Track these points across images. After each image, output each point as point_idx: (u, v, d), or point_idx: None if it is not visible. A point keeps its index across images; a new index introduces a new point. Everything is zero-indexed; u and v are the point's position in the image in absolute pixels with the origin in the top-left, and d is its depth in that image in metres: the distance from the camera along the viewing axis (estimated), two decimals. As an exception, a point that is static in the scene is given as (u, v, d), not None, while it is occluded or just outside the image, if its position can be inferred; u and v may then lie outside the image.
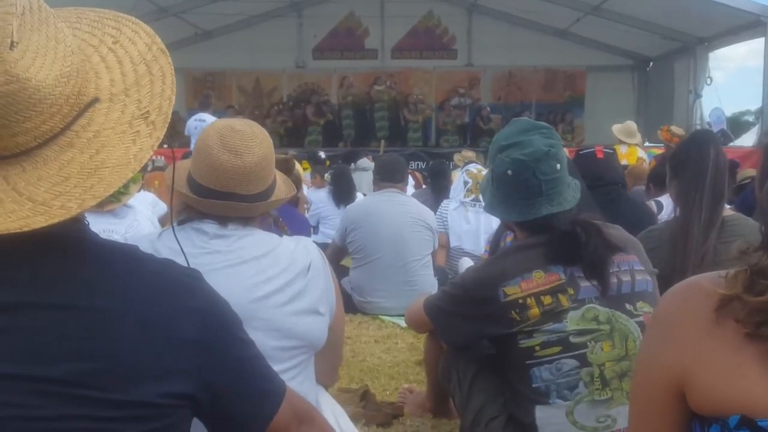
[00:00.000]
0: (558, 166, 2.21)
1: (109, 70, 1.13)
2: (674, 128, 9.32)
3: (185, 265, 1.34)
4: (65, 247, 1.09)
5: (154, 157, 7.66)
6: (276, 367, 1.49)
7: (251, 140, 1.86)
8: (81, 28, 1.17)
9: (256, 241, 1.91)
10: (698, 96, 14.90)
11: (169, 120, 1.12)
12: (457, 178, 6.26)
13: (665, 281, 2.22)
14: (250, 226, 1.93)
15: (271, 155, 1.93)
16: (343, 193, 6.95)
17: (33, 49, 1.00)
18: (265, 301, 1.83)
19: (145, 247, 1.76)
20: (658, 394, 1.10)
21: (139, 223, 3.77)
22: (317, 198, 7.39)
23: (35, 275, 1.07)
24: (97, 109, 1.08)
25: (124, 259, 1.15)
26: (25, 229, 0.99)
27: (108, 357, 1.06)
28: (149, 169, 6.33)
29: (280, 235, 1.99)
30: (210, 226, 1.88)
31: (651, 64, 17.97)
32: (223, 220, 1.89)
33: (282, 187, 2.03)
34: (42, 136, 1.03)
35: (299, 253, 1.93)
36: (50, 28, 1.03)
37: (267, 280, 1.85)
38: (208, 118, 12.58)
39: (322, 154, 11.86)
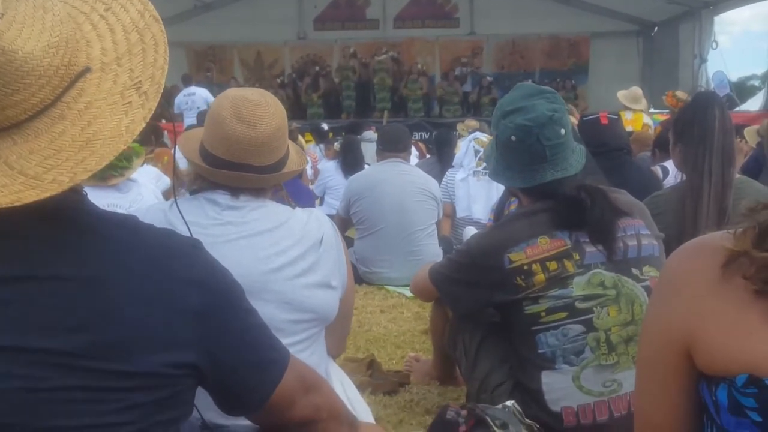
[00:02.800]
0: (562, 131, 2.18)
1: (100, 38, 1.10)
2: (679, 93, 9.24)
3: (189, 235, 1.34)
4: (63, 218, 1.08)
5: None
6: (287, 340, 1.49)
7: (265, 110, 1.82)
8: None
9: (268, 212, 1.89)
10: (703, 61, 14.81)
11: (162, 90, 1.10)
12: (462, 146, 6.23)
13: (671, 246, 2.22)
14: (262, 198, 1.91)
15: (285, 126, 1.89)
16: (351, 163, 6.91)
17: (20, 20, 0.98)
18: (278, 274, 1.82)
19: (157, 217, 1.76)
20: (665, 354, 1.08)
21: (143, 197, 3.77)
22: (325, 168, 7.37)
23: (34, 247, 1.06)
24: (89, 79, 1.06)
25: (124, 229, 1.14)
26: (17, 203, 0.98)
27: (110, 328, 1.06)
28: (154, 147, 6.30)
29: (293, 207, 1.97)
30: (222, 197, 1.86)
31: (656, 29, 17.84)
32: (235, 191, 1.87)
33: (295, 159, 2.00)
34: (32, 108, 1.01)
35: (312, 225, 1.92)
36: None
37: (279, 253, 1.83)
38: (197, 90, 12.51)
39: (325, 126, 11.82)
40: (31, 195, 0.98)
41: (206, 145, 1.87)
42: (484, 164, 5.57)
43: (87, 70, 1.06)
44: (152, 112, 1.08)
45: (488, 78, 16.99)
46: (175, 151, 1.74)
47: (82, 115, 1.04)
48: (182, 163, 2.05)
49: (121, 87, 1.07)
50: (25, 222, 1.04)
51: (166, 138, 8.03)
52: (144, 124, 1.07)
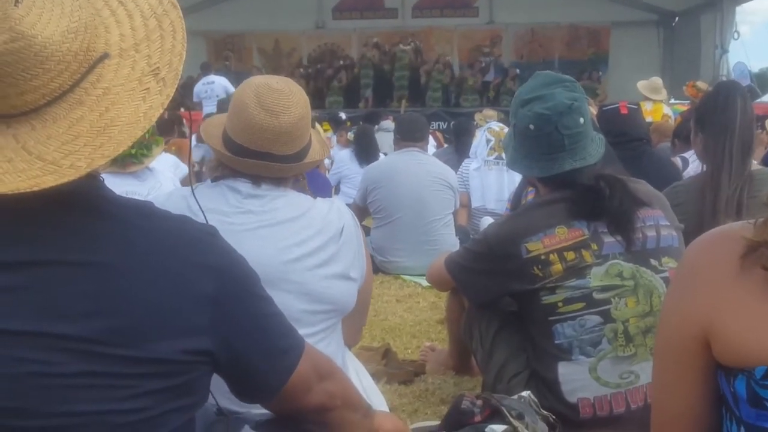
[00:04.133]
0: (581, 120, 2.16)
1: (119, 24, 1.10)
2: (700, 84, 9.16)
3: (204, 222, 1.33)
4: (79, 203, 1.08)
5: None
6: (304, 331, 1.49)
7: (288, 99, 1.82)
8: None
9: (289, 202, 1.88)
10: (725, 51, 14.65)
11: (179, 76, 1.10)
12: (479, 137, 6.21)
13: (691, 237, 2.20)
14: (283, 186, 1.90)
15: (308, 115, 1.89)
16: (366, 152, 6.91)
17: (39, 5, 0.98)
18: (297, 264, 1.81)
19: (179, 204, 1.77)
20: (683, 344, 1.07)
21: (161, 185, 3.79)
22: (340, 157, 7.36)
23: (50, 233, 1.06)
24: (107, 65, 1.06)
25: (140, 215, 1.14)
26: (35, 188, 0.98)
27: (126, 314, 1.06)
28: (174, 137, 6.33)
29: (313, 197, 1.97)
30: (244, 185, 1.86)
31: (676, 18, 17.65)
32: (256, 179, 1.87)
33: (317, 148, 1.99)
34: (51, 93, 1.01)
35: (332, 215, 1.91)
36: None
37: (300, 243, 1.83)
38: (216, 79, 12.54)
39: (343, 115, 11.79)
40: (48, 180, 0.99)
41: (229, 133, 1.87)
42: (496, 154, 5.56)
43: (105, 55, 1.06)
44: (170, 98, 1.08)
45: (515, 69, 16.81)
46: (191, 139, 1.74)
47: (101, 100, 1.04)
48: (196, 154, 2.05)
49: (139, 73, 1.07)
50: (42, 207, 1.04)
51: (185, 127, 8.06)
52: (162, 110, 1.07)
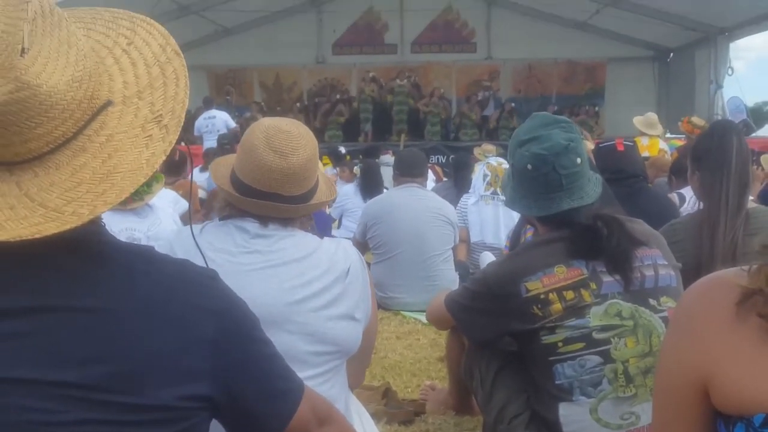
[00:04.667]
0: (578, 160, 2.18)
1: (122, 72, 1.11)
2: (695, 119, 9.22)
3: (204, 264, 1.34)
4: (81, 249, 1.09)
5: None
6: (308, 372, 1.48)
7: (297, 141, 1.84)
8: (95, 28, 1.15)
9: (296, 242, 1.89)
10: (719, 86, 14.79)
11: (182, 123, 1.10)
12: (477, 172, 6.24)
13: (689, 275, 2.21)
14: (290, 227, 1.91)
15: (316, 156, 1.91)
16: (371, 187, 6.93)
17: (44, 55, 0.98)
18: (302, 305, 1.82)
19: (188, 242, 1.78)
20: (681, 392, 1.08)
21: (161, 221, 3.79)
22: (343, 191, 7.39)
23: (52, 279, 1.06)
24: (110, 112, 1.07)
25: (141, 260, 1.14)
26: (37, 235, 0.98)
27: (126, 360, 1.05)
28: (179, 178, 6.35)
29: (321, 237, 1.98)
30: (251, 225, 1.87)
31: (671, 54, 17.84)
32: (264, 219, 1.88)
33: (324, 189, 2.01)
34: (54, 141, 1.02)
35: (339, 256, 1.92)
36: (62, 32, 1.01)
37: (305, 284, 1.83)
38: (218, 114, 12.64)
39: (343, 150, 11.86)
40: (51, 227, 0.99)
41: (237, 173, 1.89)
42: (492, 189, 5.58)
43: (109, 103, 1.07)
44: (173, 145, 1.08)
45: (511, 104, 16.97)
46: (191, 174, 1.75)
47: (104, 147, 1.04)
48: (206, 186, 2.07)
49: (142, 120, 1.08)
50: (43, 253, 1.04)
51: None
52: (164, 157, 1.07)
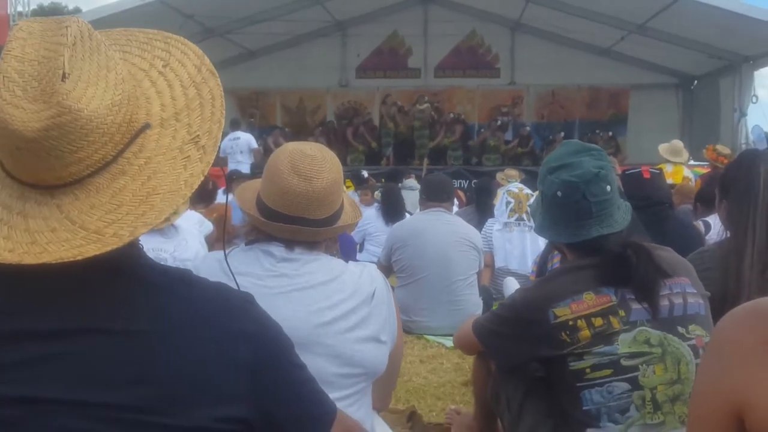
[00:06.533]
0: (608, 187, 2.21)
1: (159, 94, 1.13)
2: (719, 147, 9.18)
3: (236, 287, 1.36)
4: (120, 271, 1.10)
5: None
6: (335, 394, 1.50)
7: (321, 165, 1.87)
8: (131, 51, 1.17)
9: (322, 266, 1.92)
10: (743, 114, 14.71)
11: (219, 143, 1.12)
12: (500, 197, 6.27)
13: (716, 305, 2.21)
14: (316, 251, 1.94)
15: (340, 180, 1.94)
16: (392, 211, 6.96)
17: (84, 79, 1.00)
18: (329, 327, 1.84)
19: (214, 267, 1.81)
20: (716, 419, 1.09)
21: (187, 242, 3.83)
22: (365, 215, 7.42)
23: (93, 300, 1.08)
24: (148, 135, 1.08)
25: (179, 283, 1.16)
26: (78, 257, 1.00)
27: (164, 382, 1.07)
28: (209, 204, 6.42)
29: (347, 260, 2.00)
30: (278, 249, 1.90)
31: (695, 82, 17.75)
32: (290, 243, 1.91)
33: (349, 212, 2.04)
34: (94, 164, 1.03)
35: (364, 279, 1.94)
36: (101, 57, 1.03)
37: (332, 306, 1.86)
38: (242, 135, 12.77)
39: (365, 173, 11.91)
40: (92, 249, 1.01)
41: (263, 198, 1.92)
42: (516, 215, 5.60)
43: (147, 126, 1.09)
44: (210, 165, 1.10)
45: (527, 128, 16.99)
46: (227, 197, 1.79)
47: (143, 170, 1.06)
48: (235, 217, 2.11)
49: (179, 142, 1.10)
50: (84, 275, 1.06)
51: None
52: (202, 177, 1.09)
